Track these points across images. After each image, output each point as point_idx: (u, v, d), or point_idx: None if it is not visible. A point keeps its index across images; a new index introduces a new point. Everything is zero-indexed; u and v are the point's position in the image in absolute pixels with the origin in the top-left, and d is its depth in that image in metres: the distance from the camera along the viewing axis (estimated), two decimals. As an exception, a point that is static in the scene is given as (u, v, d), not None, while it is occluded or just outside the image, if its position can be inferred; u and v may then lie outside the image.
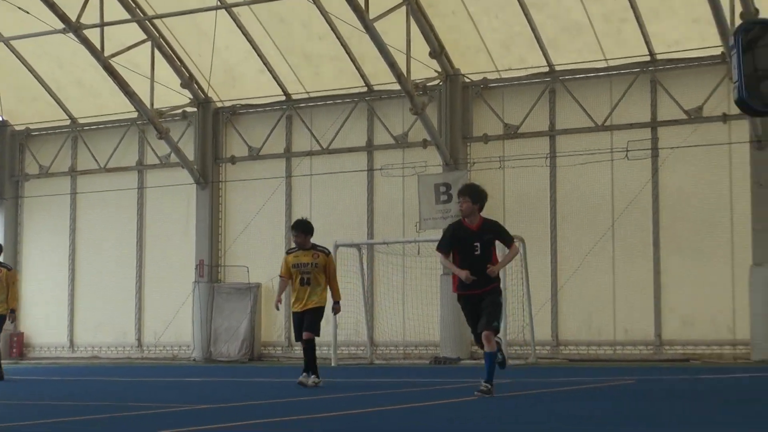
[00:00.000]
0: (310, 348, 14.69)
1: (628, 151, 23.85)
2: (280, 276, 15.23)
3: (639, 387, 14.29)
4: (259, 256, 27.55)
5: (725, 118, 23.05)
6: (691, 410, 10.19)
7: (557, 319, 24.39)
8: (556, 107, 24.82)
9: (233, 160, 28.19)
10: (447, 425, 8.73)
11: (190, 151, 28.20)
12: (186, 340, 28.13)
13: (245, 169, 28.09)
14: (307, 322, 14.64)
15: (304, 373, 14.70)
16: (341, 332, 24.92)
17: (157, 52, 26.84)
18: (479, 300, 11.97)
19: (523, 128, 25.01)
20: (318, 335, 14.90)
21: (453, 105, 25.38)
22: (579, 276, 24.07)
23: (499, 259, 12.33)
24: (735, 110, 22.41)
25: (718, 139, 23.12)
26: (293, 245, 15.45)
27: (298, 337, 14.95)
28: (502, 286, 12.48)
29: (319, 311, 14.85)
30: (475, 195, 12.37)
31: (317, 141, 27.19)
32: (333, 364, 23.87)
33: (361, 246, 25.33)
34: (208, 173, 28.06)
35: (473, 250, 12.04)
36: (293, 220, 27.22)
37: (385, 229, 26.11)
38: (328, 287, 15.04)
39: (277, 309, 15.42)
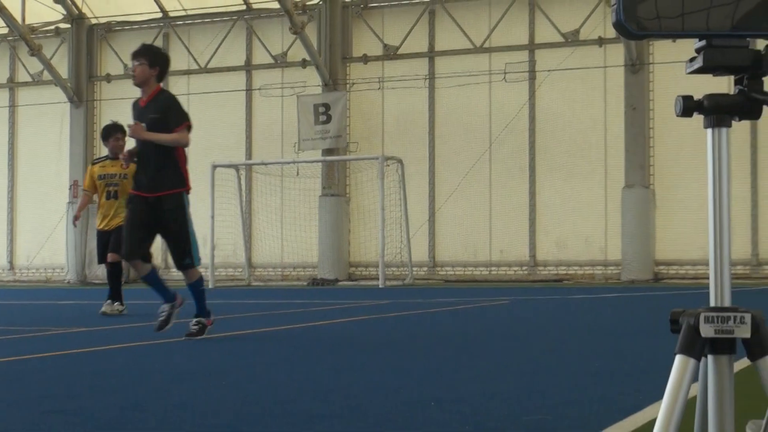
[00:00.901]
0: (116, 271, 13.34)
1: (506, 73, 24.03)
2: (84, 189, 13.94)
3: (512, 307, 14.57)
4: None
5: (601, 41, 23.35)
6: (558, 328, 10.42)
7: (434, 240, 24.64)
8: (436, 29, 24.83)
9: (108, 78, 27.63)
10: (320, 346, 8.79)
11: (63, 69, 27.53)
12: (60, 263, 27.70)
13: (121, 88, 27.52)
14: (114, 242, 12.87)
15: (108, 301, 13.33)
16: (219, 254, 24.82)
17: (27, -34, 26.03)
18: (151, 210, 9.40)
19: (403, 49, 24.99)
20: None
21: (333, 25, 25.21)
22: (456, 198, 24.30)
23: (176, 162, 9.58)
24: (611, 34, 22.74)
25: (594, 63, 23.44)
26: (103, 155, 13.99)
27: (102, 259, 13.45)
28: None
29: None
30: (153, 56, 9.75)
31: (195, 60, 26.79)
32: (210, 286, 23.78)
33: (239, 167, 25.15)
34: (82, 92, 27.46)
35: None
36: (170, 140, 27.21)
37: (263, 149, 25.95)
38: None
39: (75, 226, 14.44)
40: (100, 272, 26.85)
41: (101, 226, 13.46)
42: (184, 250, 9.61)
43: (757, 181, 22.18)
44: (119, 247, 12.50)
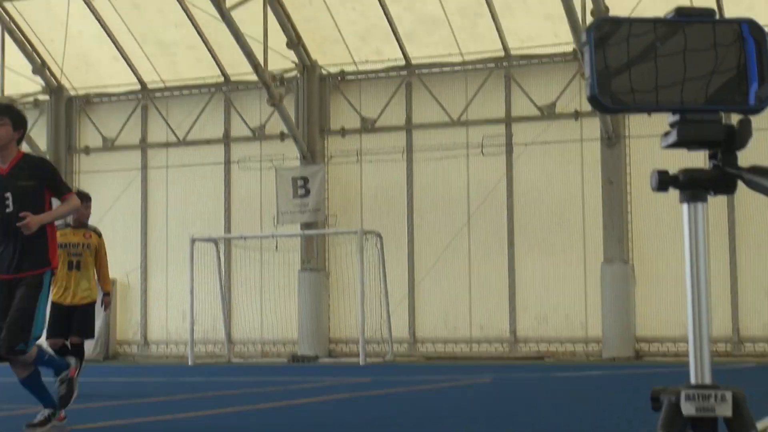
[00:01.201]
0: (79, 352, 12.17)
1: (483, 147, 24.11)
2: None
3: (494, 385, 14.47)
4: (114, 250, 26.66)
5: (577, 115, 23.48)
6: (542, 408, 10.34)
7: (414, 316, 24.47)
8: (413, 101, 24.95)
9: (87, 150, 27.61)
10: (304, 424, 8.68)
11: (42, 141, 27.50)
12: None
13: (100, 160, 27.53)
14: (79, 323, 12.20)
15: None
16: (198, 329, 24.57)
17: (7, 37, 26.11)
18: (8, 291, 8.02)
19: (380, 122, 25.09)
20: (93, 337, 12.80)
21: (310, 97, 25.31)
22: (435, 272, 24.22)
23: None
24: (587, 107, 22.86)
25: (570, 136, 23.54)
26: (63, 222, 12.52)
27: (54, 334, 12.02)
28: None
29: (92, 308, 12.49)
30: (17, 117, 8.32)
31: (173, 132, 26.82)
32: (190, 363, 23.53)
33: (218, 240, 25.03)
34: (60, 164, 27.39)
35: (3, 203, 8.06)
36: (149, 213, 27.23)
37: (242, 223, 25.88)
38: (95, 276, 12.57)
39: None
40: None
41: (62, 300, 12.25)
42: (21, 329, 7.85)
43: (736, 256, 22.16)
44: (86, 329, 12.31)
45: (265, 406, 10.90)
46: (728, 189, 2.26)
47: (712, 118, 2.22)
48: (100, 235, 12.86)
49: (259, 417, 9.26)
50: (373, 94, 25.22)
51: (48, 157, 26.98)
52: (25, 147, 26.75)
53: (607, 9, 21.31)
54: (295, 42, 24.75)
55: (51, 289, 8.47)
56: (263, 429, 8.13)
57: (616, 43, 2.22)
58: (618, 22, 2.23)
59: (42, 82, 27.29)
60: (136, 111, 27.27)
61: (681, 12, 2.25)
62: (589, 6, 21.17)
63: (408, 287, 24.41)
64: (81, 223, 12.61)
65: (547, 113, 23.73)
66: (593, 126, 23.21)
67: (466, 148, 24.25)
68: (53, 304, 12.12)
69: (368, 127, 25.14)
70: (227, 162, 26.26)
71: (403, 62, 24.89)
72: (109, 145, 27.44)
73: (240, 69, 25.21)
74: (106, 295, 12.71)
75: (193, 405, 10.62)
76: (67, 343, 12.19)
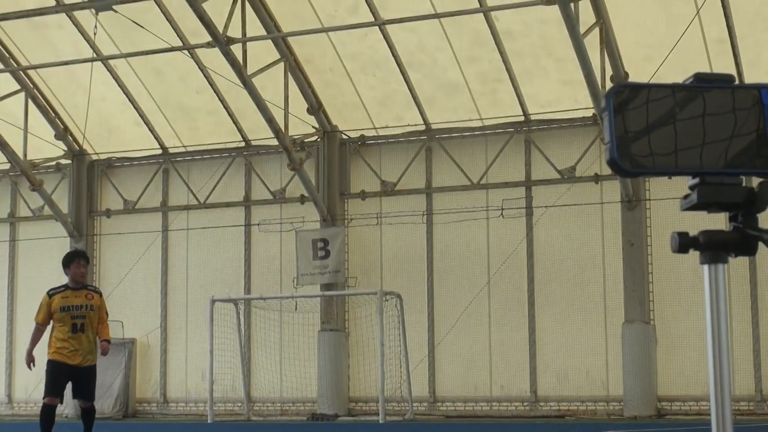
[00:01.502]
0: (92, 414, 12.78)
1: (503, 209, 24.15)
2: (37, 323, 12.77)
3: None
4: (134, 310, 27.09)
5: (597, 178, 23.52)
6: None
7: (434, 375, 24.42)
8: (433, 165, 25.03)
9: (108, 213, 27.77)
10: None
11: (64, 204, 27.68)
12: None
13: (121, 223, 27.67)
14: (87, 385, 12.60)
15: None
16: (217, 388, 24.60)
17: (30, 103, 26.37)
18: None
19: (400, 185, 25.16)
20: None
21: (330, 161, 25.44)
22: (456, 333, 24.18)
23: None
24: (607, 171, 22.89)
25: (591, 199, 23.56)
26: (61, 285, 12.97)
27: (58, 392, 12.50)
28: None
29: (95, 370, 12.80)
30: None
31: (194, 195, 26.96)
32: (209, 421, 23.57)
33: (237, 301, 25.09)
34: (82, 226, 27.56)
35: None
36: (169, 274, 27.32)
37: (262, 284, 25.93)
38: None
39: (30, 368, 12.90)
40: (98, 406, 26.57)
41: (71, 361, 12.43)
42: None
43: (758, 316, 22.05)
44: (92, 393, 12.69)
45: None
46: (749, 251, 2.28)
47: (732, 181, 2.25)
48: (101, 294, 12.98)
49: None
50: (393, 158, 25.32)
51: (69, 220, 27.20)
52: (47, 210, 27.08)
53: (626, 75, 21.44)
54: (315, 108, 24.93)
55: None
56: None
57: (635, 108, 2.25)
58: (637, 87, 2.27)
59: (64, 147, 27.51)
60: (157, 174, 27.44)
61: (700, 78, 2.29)
62: (609, 72, 21.29)
63: (428, 347, 24.36)
64: (80, 283, 12.69)
65: (567, 176, 23.76)
66: (614, 189, 23.24)
67: (486, 211, 24.29)
68: (59, 364, 12.49)
69: (388, 190, 25.21)
70: (247, 224, 26.36)
71: (423, 127, 25.00)
72: (130, 208, 27.59)
73: (261, 134, 25.38)
74: (105, 341, 12.63)
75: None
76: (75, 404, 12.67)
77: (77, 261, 12.75)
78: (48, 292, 12.81)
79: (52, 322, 12.65)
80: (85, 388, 12.47)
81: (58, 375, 12.36)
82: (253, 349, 25.83)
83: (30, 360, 12.78)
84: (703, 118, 2.25)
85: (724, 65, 21.51)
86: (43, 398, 12.48)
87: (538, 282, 23.80)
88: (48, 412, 12.35)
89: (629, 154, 2.23)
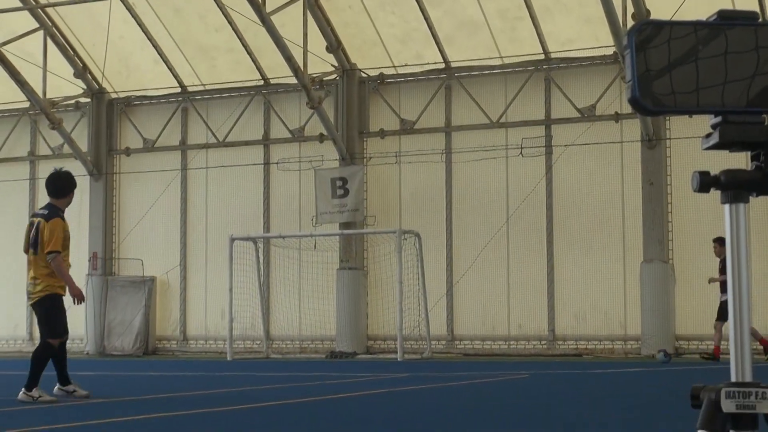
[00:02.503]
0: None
1: (522, 148, 24.11)
2: (58, 252, 11.91)
3: (532, 381, 14.48)
4: (153, 249, 27.27)
5: (617, 117, 23.43)
6: (579, 404, 10.34)
7: (452, 314, 24.55)
8: (452, 104, 24.97)
9: (128, 151, 27.85)
10: (339, 419, 8.74)
11: (83, 143, 27.78)
12: (79, 334, 27.66)
13: (140, 161, 27.76)
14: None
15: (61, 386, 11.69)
16: (237, 326, 24.77)
17: (49, 41, 26.36)
18: None
19: (419, 124, 25.12)
20: None
21: (349, 100, 25.40)
22: (474, 271, 24.27)
23: None
24: (627, 109, 22.82)
25: (611, 138, 23.50)
26: (50, 207, 12.33)
27: (65, 331, 11.81)
28: None
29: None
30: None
31: (213, 134, 26.99)
32: (229, 358, 23.77)
33: (257, 240, 25.20)
34: (101, 165, 27.67)
35: None
36: (189, 213, 27.43)
37: (281, 223, 26.03)
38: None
39: (80, 303, 12.17)
40: (119, 344, 26.90)
41: (64, 292, 12.03)
42: None
43: (776, 256, 22.03)
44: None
45: (304, 400, 10.97)
46: (771, 190, 2.28)
47: (754, 120, 2.24)
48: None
49: (297, 411, 9.33)
50: (412, 96, 25.26)
51: (89, 159, 27.30)
52: (66, 149, 27.17)
53: (648, 12, 21.25)
54: (334, 46, 24.84)
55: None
56: (301, 422, 8.20)
57: (657, 46, 2.24)
58: (659, 25, 2.26)
59: (83, 86, 27.53)
60: (176, 113, 27.46)
61: (723, 15, 2.27)
62: (630, 9, 21.12)
63: (446, 286, 24.47)
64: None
65: (587, 115, 23.68)
66: (634, 128, 23.16)
67: (505, 150, 24.26)
68: (60, 298, 12.21)
69: (407, 128, 25.18)
70: (266, 163, 26.40)
71: (442, 65, 24.91)
72: (150, 147, 27.65)
73: (279, 72, 25.33)
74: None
75: (232, 399, 10.69)
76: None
77: (72, 189, 12.40)
78: (59, 214, 12.20)
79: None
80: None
81: (64, 311, 11.88)
82: (272, 288, 25.98)
83: (80, 299, 12.02)
84: (726, 56, 2.24)
85: (747, 2, 21.31)
86: (55, 338, 11.61)
87: (556, 221, 23.82)
88: (62, 350, 11.65)
89: (651, 93, 2.22)
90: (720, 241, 19.92)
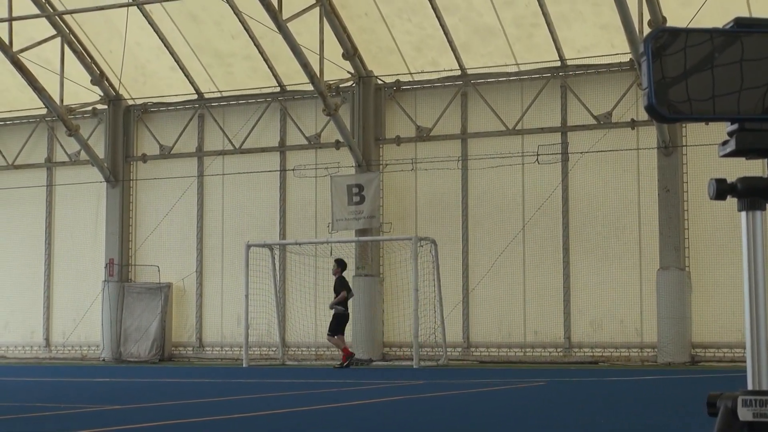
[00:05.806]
0: None
1: (538, 155, 24.08)
2: None
3: (548, 388, 14.45)
4: (169, 255, 27.33)
5: (634, 123, 23.39)
6: (596, 412, 10.31)
7: (468, 321, 24.52)
8: (468, 110, 24.97)
9: (144, 158, 27.92)
10: (357, 428, 8.74)
11: (100, 149, 27.87)
12: (95, 340, 27.79)
13: (156, 168, 27.84)
14: None
15: None
16: (252, 333, 24.81)
17: (67, 48, 26.47)
18: None
19: (435, 131, 25.12)
20: None
21: (366, 106, 25.41)
22: (490, 278, 24.24)
23: None
24: (643, 116, 22.78)
25: (627, 145, 23.45)
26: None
27: None
28: None
29: None
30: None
31: (230, 140, 27.04)
32: (245, 365, 23.79)
33: (272, 246, 25.24)
34: (118, 171, 27.75)
35: None
36: (205, 219, 27.49)
37: (297, 229, 26.06)
38: None
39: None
40: (135, 350, 26.96)
41: None
42: None
43: (794, 263, 21.93)
44: None
45: (320, 407, 10.98)
46: (787, 197, 2.27)
47: (770, 127, 2.24)
48: None
49: (314, 418, 9.34)
50: (428, 103, 25.27)
51: (106, 165, 27.40)
52: (83, 155, 27.28)
53: (664, 19, 21.22)
54: (351, 53, 24.88)
55: None
56: (318, 429, 8.20)
57: (673, 53, 2.24)
58: (676, 32, 2.25)
59: (100, 92, 27.63)
60: (192, 120, 27.53)
61: (741, 22, 2.27)
62: (646, 16, 21.09)
63: (462, 293, 24.44)
64: None
65: (604, 122, 23.65)
66: (650, 135, 23.12)
67: (521, 157, 24.23)
68: None
69: (423, 135, 25.18)
70: (283, 170, 26.44)
71: (458, 72, 24.91)
72: (166, 153, 27.72)
73: (296, 79, 25.37)
74: None
75: (249, 405, 10.69)
76: None
77: None
78: None
79: None
80: None
81: None
82: (288, 294, 26.01)
83: None
84: (742, 63, 2.24)
85: (764, 10, 21.25)
86: None
87: (572, 228, 23.78)
88: None
89: (667, 100, 2.22)
90: None
